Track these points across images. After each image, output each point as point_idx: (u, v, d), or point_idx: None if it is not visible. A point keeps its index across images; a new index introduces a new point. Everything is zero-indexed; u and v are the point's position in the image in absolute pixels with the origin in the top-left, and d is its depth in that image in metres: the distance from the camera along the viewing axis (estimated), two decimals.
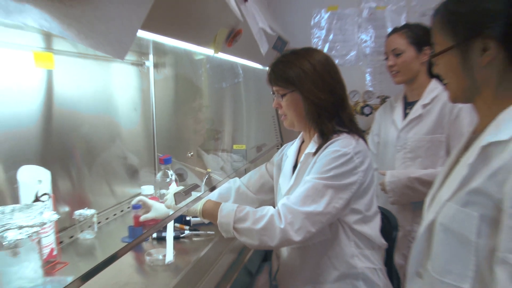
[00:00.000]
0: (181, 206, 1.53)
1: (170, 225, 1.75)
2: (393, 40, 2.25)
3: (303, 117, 1.64)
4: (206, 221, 1.69)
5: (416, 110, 2.22)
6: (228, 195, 1.91)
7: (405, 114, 2.30)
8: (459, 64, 1.12)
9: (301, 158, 1.68)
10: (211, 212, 1.55)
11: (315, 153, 1.58)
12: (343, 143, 1.52)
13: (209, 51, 1.64)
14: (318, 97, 1.58)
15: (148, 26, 1.12)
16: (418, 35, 2.17)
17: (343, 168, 1.49)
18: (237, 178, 1.97)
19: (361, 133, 1.63)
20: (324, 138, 1.59)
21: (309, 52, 1.66)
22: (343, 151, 1.50)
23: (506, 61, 1.08)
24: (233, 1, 1.38)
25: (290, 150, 1.82)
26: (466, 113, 2.07)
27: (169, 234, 1.71)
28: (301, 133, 1.80)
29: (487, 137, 1.06)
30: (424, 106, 2.20)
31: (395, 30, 2.28)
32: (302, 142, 1.79)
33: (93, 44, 0.88)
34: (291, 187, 1.64)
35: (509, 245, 0.97)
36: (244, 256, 1.69)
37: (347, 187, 1.50)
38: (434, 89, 2.19)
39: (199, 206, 1.59)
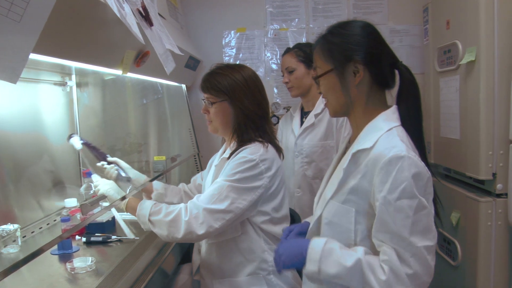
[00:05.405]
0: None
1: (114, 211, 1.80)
2: (286, 59, 2.29)
3: (228, 125, 1.66)
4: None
5: (309, 119, 2.27)
6: (176, 192, 1.96)
7: (302, 123, 2.33)
8: (338, 84, 1.23)
9: (217, 162, 1.72)
10: (132, 206, 1.59)
11: (228, 158, 1.61)
12: (251, 151, 1.56)
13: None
14: (247, 108, 1.61)
15: (56, 52, 1.14)
16: (306, 54, 2.21)
17: (248, 173, 1.53)
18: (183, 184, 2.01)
19: (276, 145, 1.67)
20: (239, 145, 1.62)
21: (242, 67, 1.69)
22: (249, 158, 1.54)
23: (371, 81, 1.22)
24: (135, 26, 1.35)
25: (216, 156, 1.84)
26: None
27: (118, 217, 1.77)
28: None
29: (356, 146, 1.19)
30: (316, 115, 2.25)
31: (287, 51, 2.32)
32: None
33: None
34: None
35: (380, 236, 1.10)
36: (160, 258, 1.68)
37: (251, 190, 1.53)
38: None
39: (123, 202, 1.63)
